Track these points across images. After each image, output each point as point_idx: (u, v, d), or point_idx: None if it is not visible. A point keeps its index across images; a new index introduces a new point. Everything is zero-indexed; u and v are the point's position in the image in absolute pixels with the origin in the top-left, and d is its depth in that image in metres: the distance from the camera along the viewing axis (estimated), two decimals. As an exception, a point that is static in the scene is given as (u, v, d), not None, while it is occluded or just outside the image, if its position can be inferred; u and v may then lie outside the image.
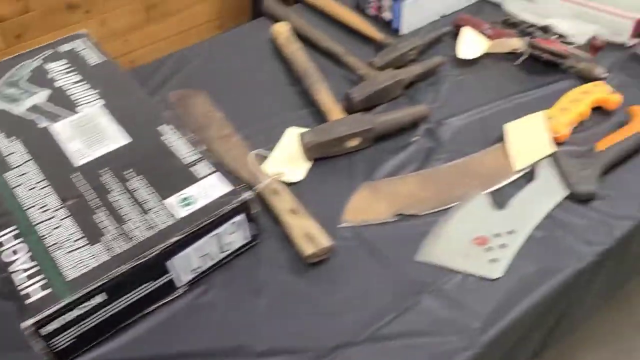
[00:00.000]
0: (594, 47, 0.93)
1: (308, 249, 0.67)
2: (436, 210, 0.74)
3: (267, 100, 0.93)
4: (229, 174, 0.68)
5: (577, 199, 0.73)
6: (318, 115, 0.87)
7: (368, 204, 0.75)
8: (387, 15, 1.04)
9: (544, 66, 0.94)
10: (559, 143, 0.81)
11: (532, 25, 1.01)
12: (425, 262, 0.68)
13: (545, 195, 0.74)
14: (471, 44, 0.97)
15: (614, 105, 0.85)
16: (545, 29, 0.99)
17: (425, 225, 0.72)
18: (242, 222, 0.66)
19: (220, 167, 0.69)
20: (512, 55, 0.97)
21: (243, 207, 0.65)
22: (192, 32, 2.17)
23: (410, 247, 0.70)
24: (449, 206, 0.74)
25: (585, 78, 0.91)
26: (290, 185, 0.77)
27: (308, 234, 0.68)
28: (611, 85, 0.90)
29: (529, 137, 0.80)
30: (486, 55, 0.97)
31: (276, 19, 1.07)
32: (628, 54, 0.96)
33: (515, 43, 0.96)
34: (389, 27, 1.05)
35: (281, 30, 1.02)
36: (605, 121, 0.84)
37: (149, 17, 1.99)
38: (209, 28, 2.19)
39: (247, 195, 0.65)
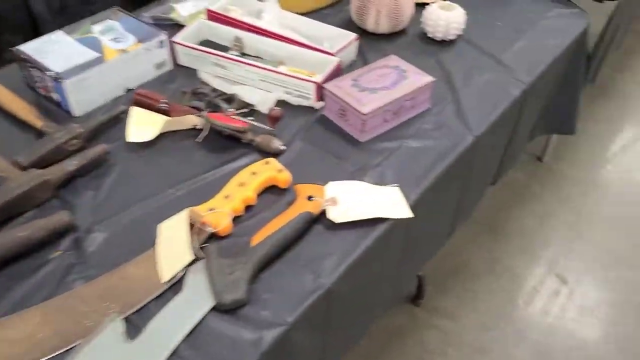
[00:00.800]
0: (272, 117, 0.87)
1: None
2: (57, 353, 0.60)
3: None
4: None
5: (224, 309, 0.64)
6: None
7: (-34, 362, 0.59)
8: (55, 96, 0.90)
9: (227, 141, 0.86)
10: (221, 237, 0.72)
11: (221, 94, 0.93)
12: None
13: (190, 310, 0.64)
14: (143, 124, 0.86)
15: (285, 184, 0.79)
16: (230, 99, 0.92)
17: (41, 376, 0.58)
18: None
19: None
20: (196, 131, 0.88)
21: None
22: None
23: (12, 414, 0.55)
24: (73, 345, 0.61)
25: (265, 152, 0.85)
26: None
27: None
28: (294, 153, 0.85)
29: (176, 241, 0.69)
30: (165, 135, 0.87)
31: None
32: (316, 117, 0.92)
33: (192, 120, 0.87)
34: (62, 108, 0.91)
35: None
36: (277, 202, 0.78)
37: None
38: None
39: None
